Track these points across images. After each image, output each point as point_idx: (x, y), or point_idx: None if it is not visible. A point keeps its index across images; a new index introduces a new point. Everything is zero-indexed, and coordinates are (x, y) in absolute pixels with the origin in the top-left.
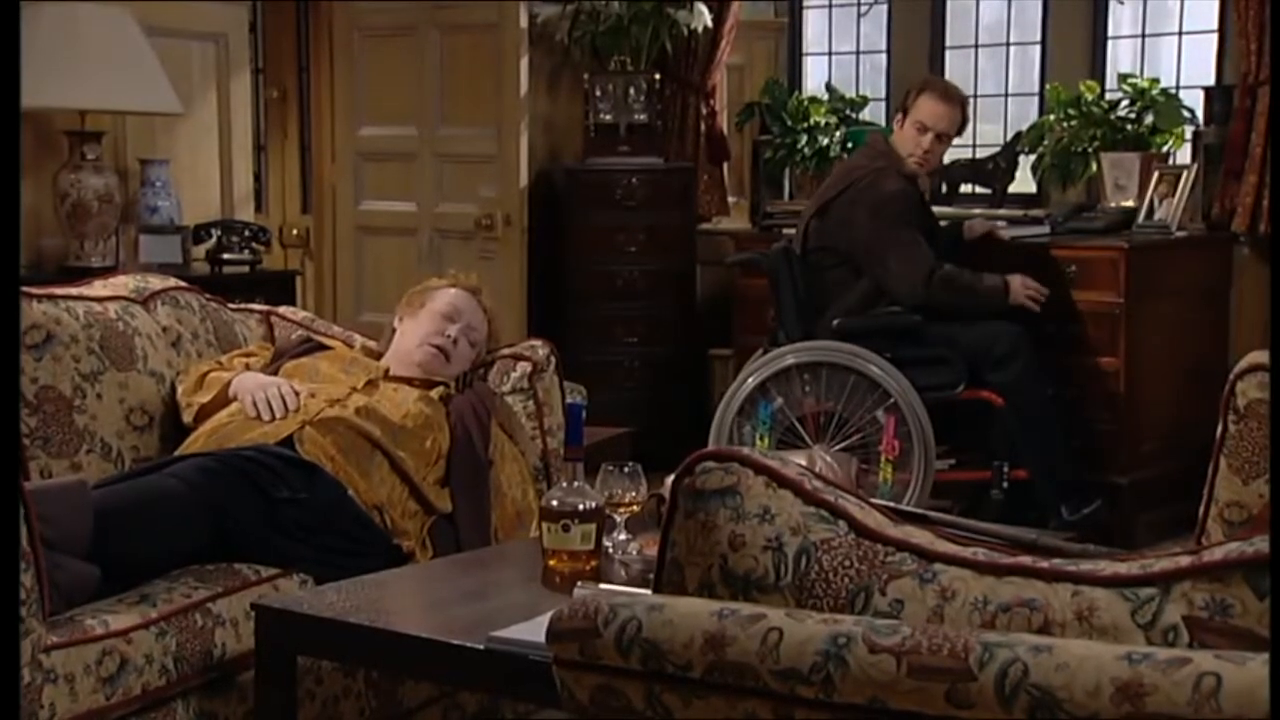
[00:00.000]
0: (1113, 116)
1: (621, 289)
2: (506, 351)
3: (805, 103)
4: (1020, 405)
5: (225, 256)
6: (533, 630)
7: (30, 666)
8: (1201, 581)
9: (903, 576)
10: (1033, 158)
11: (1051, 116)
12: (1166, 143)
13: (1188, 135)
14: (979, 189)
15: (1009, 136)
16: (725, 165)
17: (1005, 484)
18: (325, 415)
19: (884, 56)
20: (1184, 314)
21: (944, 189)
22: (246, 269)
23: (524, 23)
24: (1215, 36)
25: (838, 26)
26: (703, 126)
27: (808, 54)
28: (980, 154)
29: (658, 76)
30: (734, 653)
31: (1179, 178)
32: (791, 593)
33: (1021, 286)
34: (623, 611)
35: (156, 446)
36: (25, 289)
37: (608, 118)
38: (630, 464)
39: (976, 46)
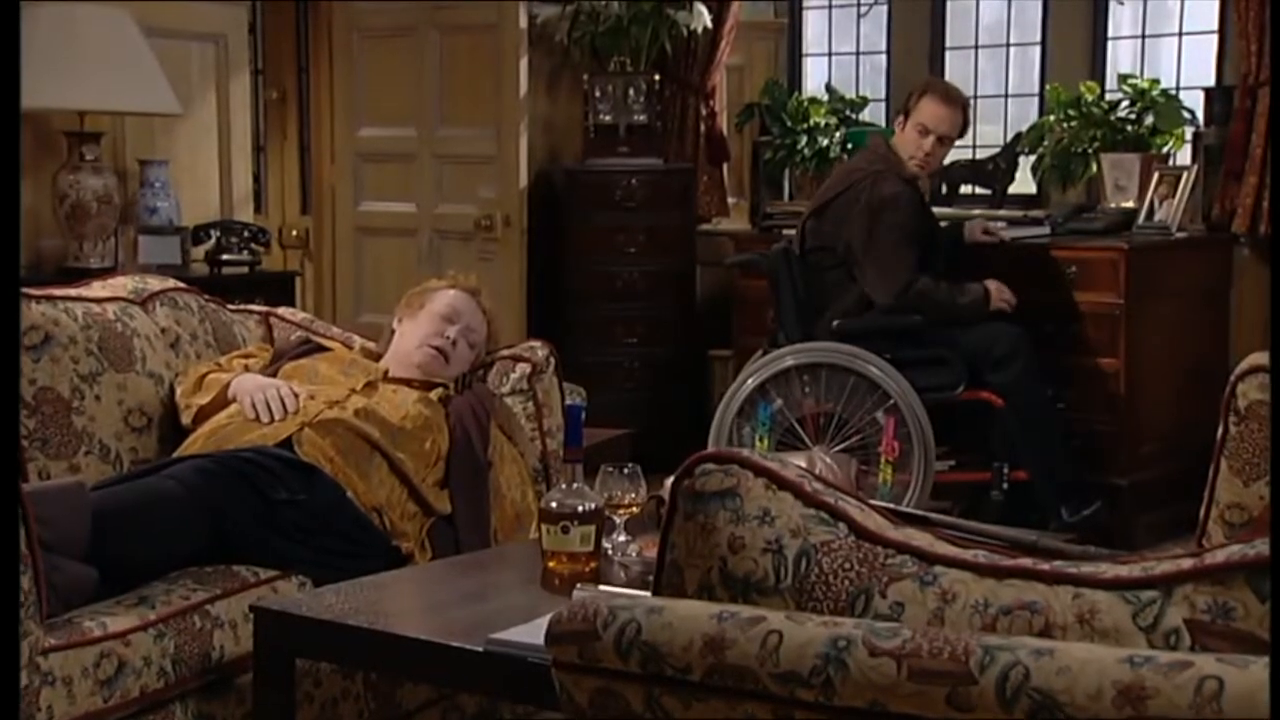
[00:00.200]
0: (1113, 117)
1: (621, 290)
2: (506, 352)
3: (805, 103)
4: (1020, 406)
5: (224, 257)
6: (532, 632)
7: (28, 669)
8: (1203, 584)
9: (903, 579)
10: (1033, 158)
11: (1051, 117)
12: (1167, 144)
13: (1188, 136)
14: (979, 190)
15: (1009, 137)
16: (725, 166)
17: (1005, 485)
18: (324, 417)
19: (884, 57)
20: (1184, 315)
21: (944, 190)
22: (246, 270)
23: (523, 23)
24: (1215, 37)
25: (838, 27)
26: (702, 127)
27: (807, 55)
28: (980, 155)
29: (657, 77)
30: (733, 656)
31: (1179, 179)
32: (791, 595)
33: (997, 292)
34: (622, 614)
35: (155, 448)
36: (24, 290)
37: (607, 118)
38: (629, 465)
39: (976, 47)
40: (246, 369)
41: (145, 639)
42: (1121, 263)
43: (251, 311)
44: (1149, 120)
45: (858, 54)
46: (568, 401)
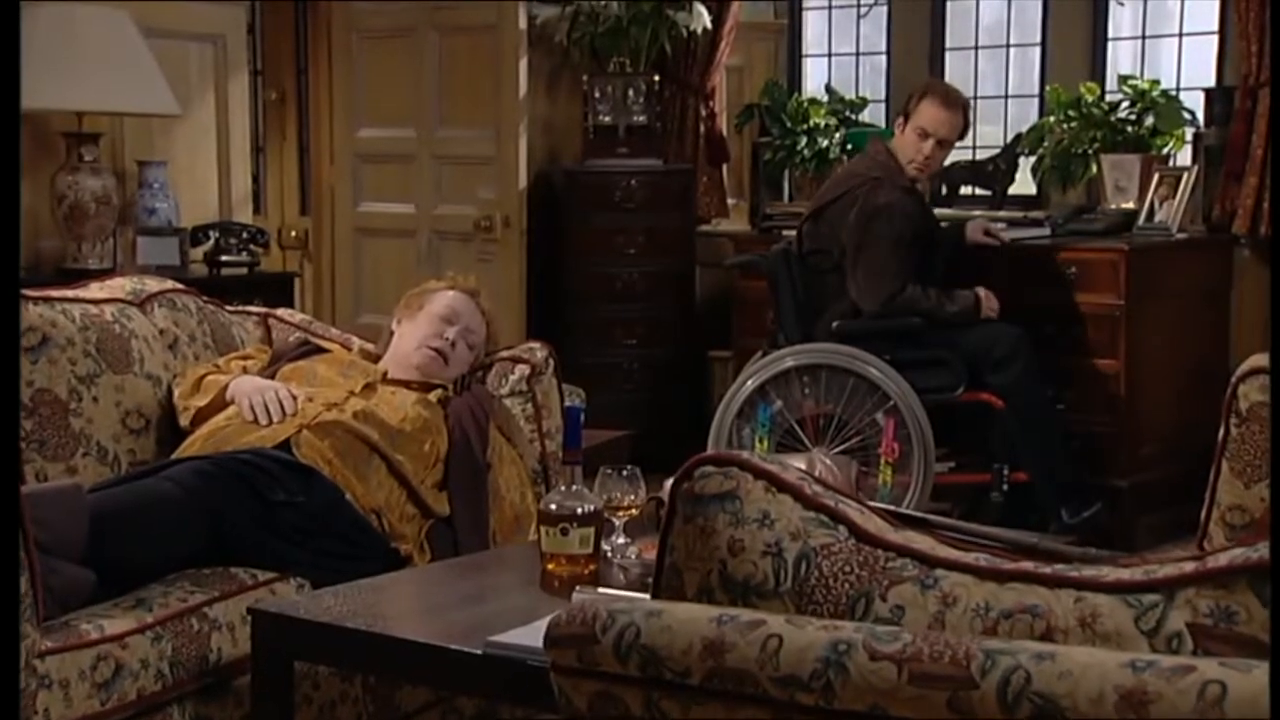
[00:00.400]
0: (1113, 118)
1: (620, 291)
2: (505, 354)
3: (805, 104)
4: (1020, 407)
5: (223, 258)
6: (531, 635)
7: (24, 672)
8: (1206, 588)
9: (904, 582)
10: (1033, 159)
11: (1052, 118)
12: (1167, 144)
13: (1188, 137)
14: (979, 191)
15: (1009, 138)
16: (724, 167)
17: (1005, 486)
18: (323, 419)
19: (884, 58)
20: (1184, 316)
21: (944, 191)
22: (244, 271)
23: (523, 24)
24: (1215, 38)
25: (837, 28)
26: (702, 128)
27: (807, 55)
28: (980, 155)
29: (657, 78)
30: (733, 659)
31: (1179, 179)
32: (791, 599)
33: (987, 300)
34: (621, 618)
35: (153, 450)
36: (21, 291)
37: (607, 119)
38: (629, 467)
39: (976, 48)
40: (245, 370)
41: (143, 641)
42: (1122, 264)
43: (250, 313)
44: (1149, 121)
45: (857, 55)
46: (567, 403)
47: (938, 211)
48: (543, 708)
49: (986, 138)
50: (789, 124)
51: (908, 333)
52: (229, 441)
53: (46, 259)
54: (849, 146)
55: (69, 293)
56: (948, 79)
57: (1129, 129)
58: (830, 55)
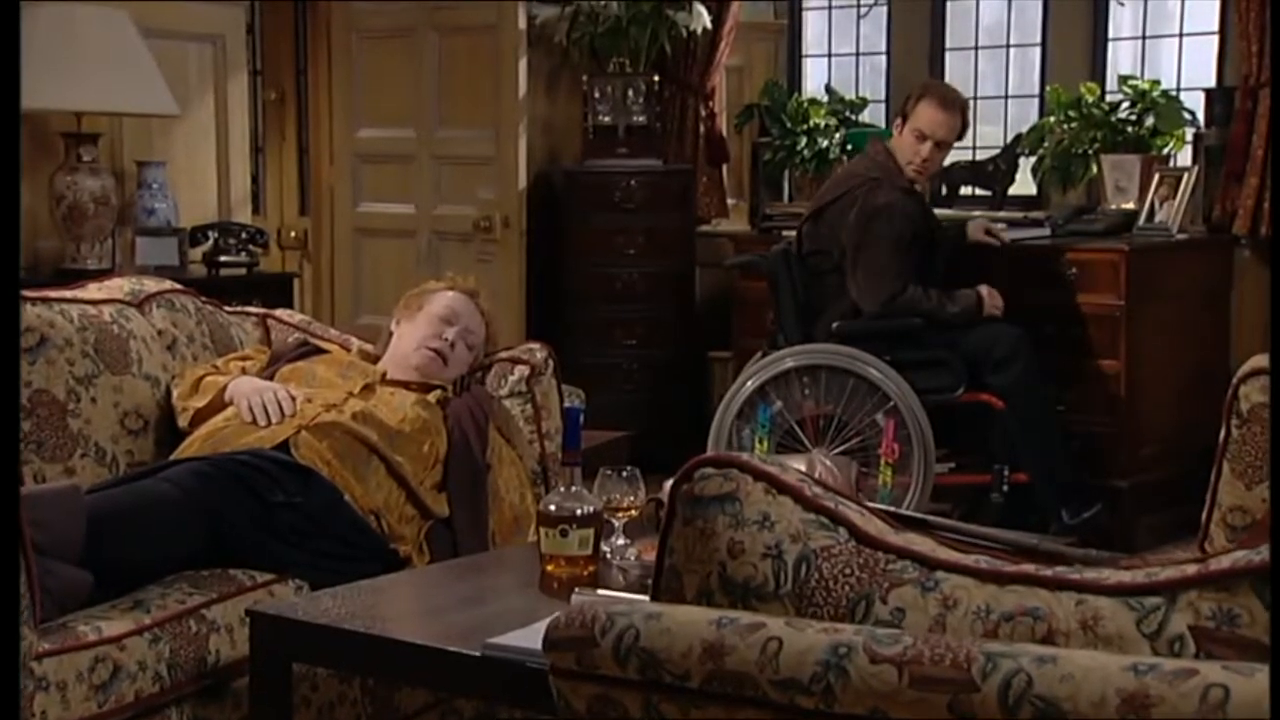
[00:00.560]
0: (1113, 118)
1: (620, 291)
2: (504, 354)
3: (805, 104)
4: (1020, 408)
5: (222, 259)
6: (530, 637)
7: (22, 674)
8: (1208, 591)
9: (904, 585)
10: (1033, 160)
11: (1052, 118)
12: (1167, 145)
13: (1188, 137)
14: (979, 191)
15: (1009, 138)
16: (724, 167)
17: (1005, 487)
18: (321, 420)
19: (884, 58)
20: (1185, 317)
21: (944, 191)
22: (244, 271)
23: (522, 24)
24: (1216, 38)
25: (837, 28)
26: (702, 128)
27: (807, 55)
28: (980, 156)
29: (657, 78)
30: (733, 662)
31: (1180, 180)
32: (791, 601)
33: (990, 299)
34: (620, 620)
35: (151, 451)
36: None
37: (606, 119)
38: (628, 468)
39: (976, 48)
40: (244, 371)
41: (140, 643)
42: (1122, 264)
43: (249, 313)
44: (1149, 121)
45: (857, 55)
46: (566, 404)
47: (938, 212)
48: (541, 710)
49: (987, 138)
50: (789, 124)
51: (908, 333)
52: (227, 442)
53: (45, 259)
54: (849, 147)
55: (67, 293)
56: (948, 79)
57: (1129, 129)
58: (830, 55)
